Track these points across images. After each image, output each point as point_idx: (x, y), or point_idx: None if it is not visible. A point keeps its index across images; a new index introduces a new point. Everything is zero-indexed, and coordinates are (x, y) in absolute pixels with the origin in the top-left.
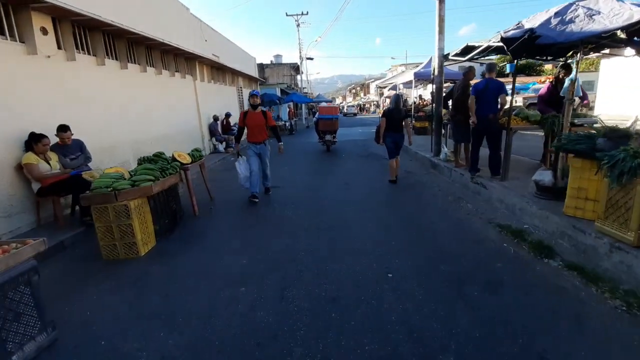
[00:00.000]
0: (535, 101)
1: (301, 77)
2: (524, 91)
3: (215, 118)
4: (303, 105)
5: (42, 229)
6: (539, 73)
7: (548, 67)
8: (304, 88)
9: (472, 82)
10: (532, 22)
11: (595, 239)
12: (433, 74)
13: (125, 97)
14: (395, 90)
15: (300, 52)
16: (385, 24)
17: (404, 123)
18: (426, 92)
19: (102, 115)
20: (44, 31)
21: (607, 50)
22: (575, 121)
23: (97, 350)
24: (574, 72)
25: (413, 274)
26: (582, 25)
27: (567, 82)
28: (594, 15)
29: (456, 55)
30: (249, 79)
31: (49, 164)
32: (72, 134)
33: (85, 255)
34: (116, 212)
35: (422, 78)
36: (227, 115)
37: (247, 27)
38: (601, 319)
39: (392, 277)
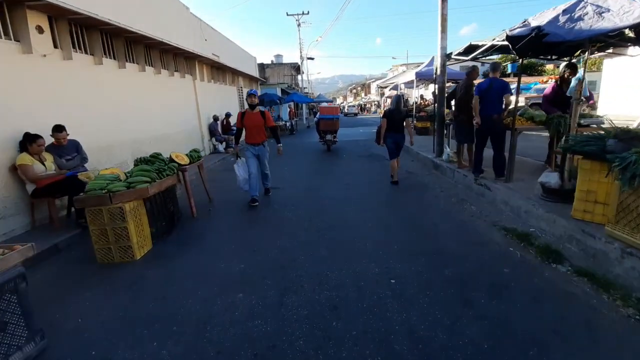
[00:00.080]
0: (538, 101)
1: (302, 77)
2: (525, 91)
3: (215, 118)
4: (304, 105)
5: (36, 231)
6: (540, 73)
7: (549, 67)
8: (304, 88)
9: (475, 81)
10: (539, 20)
11: (605, 243)
12: (435, 73)
13: (124, 96)
14: (397, 90)
15: (300, 52)
16: (386, 23)
17: (405, 123)
18: (427, 92)
19: (99, 114)
20: (40, 30)
21: (610, 50)
22: (582, 122)
23: None
24: (580, 72)
25: (416, 280)
26: (591, 23)
27: (573, 82)
28: (603, 12)
29: (459, 54)
30: (250, 78)
31: (44, 164)
32: (68, 134)
33: (80, 259)
34: (111, 214)
35: (423, 78)
36: (227, 115)
37: (248, 26)
38: (614, 328)
39: (394, 283)
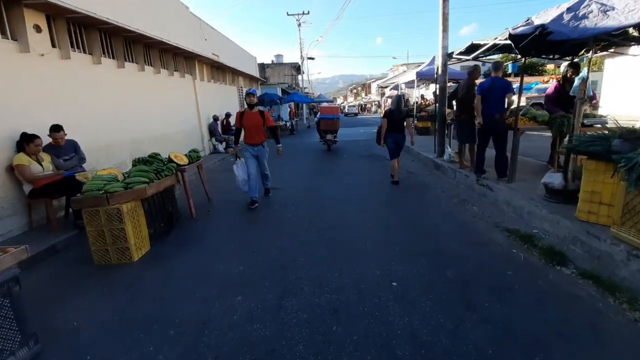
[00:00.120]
0: (539, 101)
1: (302, 77)
2: (526, 91)
3: (215, 118)
4: (304, 105)
5: (34, 232)
6: (541, 73)
7: (550, 67)
8: (305, 88)
9: (477, 81)
10: (542, 18)
11: (611, 245)
12: (437, 73)
13: (122, 96)
14: (397, 89)
15: (301, 52)
16: (387, 23)
17: (405, 123)
18: (428, 91)
19: (98, 114)
20: (38, 29)
21: (612, 49)
22: (585, 121)
23: None
24: (584, 71)
25: (418, 282)
26: (596, 21)
27: (577, 81)
28: (608, 11)
29: (460, 53)
30: (250, 78)
31: (41, 165)
32: (66, 134)
33: (77, 260)
34: (108, 215)
35: (424, 77)
36: (227, 115)
37: (248, 26)
38: (620, 332)
39: (396, 286)
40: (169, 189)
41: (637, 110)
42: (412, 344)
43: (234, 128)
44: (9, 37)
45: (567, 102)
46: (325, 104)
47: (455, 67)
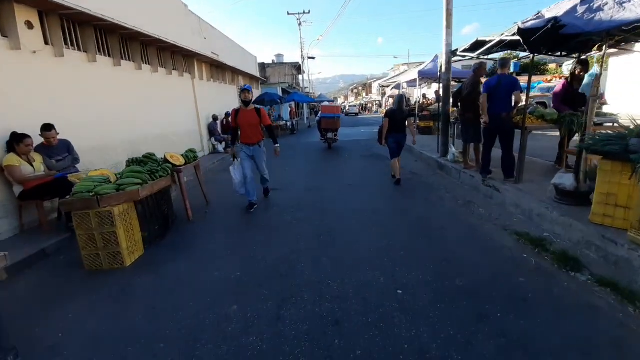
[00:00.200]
0: (542, 100)
1: (303, 77)
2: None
3: (215, 118)
4: (305, 105)
5: (25, 235)
6: (543, 72)
7: (552, 66)
8: (305, 88)
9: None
10: (554, 11)
11: (629, 250)
12: (440, 70)
13: (119, 95)
14: (399, 89)
15: (302, 51)
16: (388, 22)
17: (407, 123)
18: (430, 91)
19: (93, 113)
20: (29, 25)
21: (622, 45)
22: (595, 120)
23: None
24: (594, 68)
25: (425, 290)
26: (612, 13)
27: (587, 79)
28: (624, 3)
29: (465, 51)
30: (250, 78)
31: (32, 165)
32: (58, 134)
33: (68, 265)
34: (99, 218)
35: (426, 76)
36: (227, 115)
37: (248, 26)
38: None
39: (402, 294)
40: (164, 190)
41: None
42: None
43: None
44: (0, 34)
45: (575, 100)
46: (326, 103)
47: (456, 65)
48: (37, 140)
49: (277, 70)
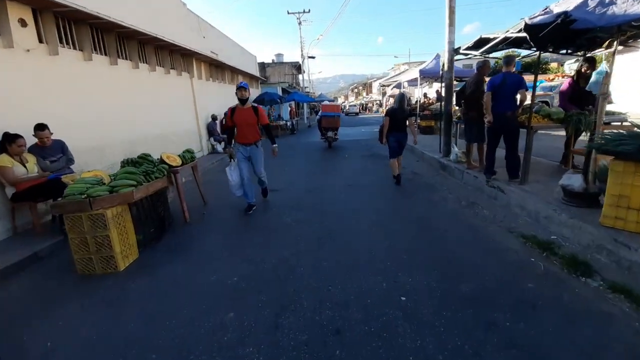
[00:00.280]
0: (545, 99)
1: (303, 77)
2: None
3: (214, 117)
4: (305, 104)
5: (18, 238)
6: (544, 71)
7: (554, 65)
8: (305, 87)
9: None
10: (562, 6)
11: None
12: (442, 69)
13: (116, 94)
14: (400, 88)
15: (302, 51)
16: (388, 22)
17: (407, 122)
18: (431, 90)
19: (89, 113)
20: (23, 23)
21: (630, 42)
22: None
23: None
24: (602, 65)
25: (429, 297)
26: (625, 7)
27: (594, 76)
28: None
29: (468, 48)
30: (250, 77)
31: (25, 166)
32: (52, 134)
33: (60, 269)
34: (91, 221)
35: (428, 75)
36: (226, 114)
37: (248, 25)
38: None
39: (405, 301)
40: (160, 192)
41: None
42: None
43: None
44: None
45: (582, 98)
46: (326, 102)
47: (457, 64)
48: (31, 140)
49: (277, 69)
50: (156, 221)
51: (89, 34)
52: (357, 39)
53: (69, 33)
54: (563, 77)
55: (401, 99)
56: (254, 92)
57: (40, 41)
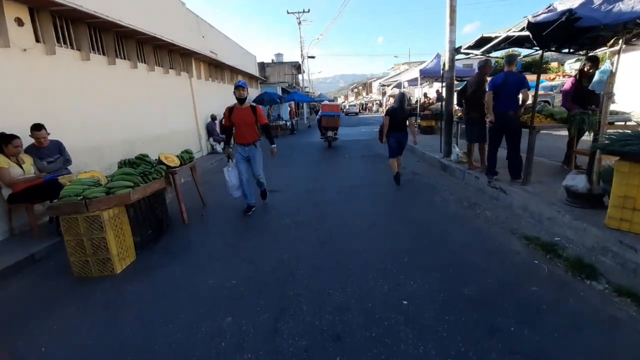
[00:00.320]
0: (546, 99)
1: (303, 77)
2: (533, 89)
3: (213, 117)
4: (305, 104)
5: (15, 239)
6: (545, 71)
7: (554, 65)
8: (305, 87)
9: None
10: (567, 3)
11: None
12: (443, 68)
13: (114, 94)
14: (400, 88)
15: (301, 51)
16: (388, 21)
17: (407, 122)
18: (431, 90)
19: (87, 113)
20: (19, 22)
21: (633, 40)
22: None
23: None
24: (606, 64)
25: (432, 301)
26: (632, 4)
27: (597, 75)
28: None
29: (469, 48)
30: (249, 77)
31: (21, 167)
32: (49, 134)
33: (56, 271)
34: (88, 223)
35: (428, 75)
36: None
37: (247, 25)
38: None
39: (407, 305)
40: (158, 193)
41: None
42: None
43: None
44: None
45: (585, 98)
46: (326, 102)
47: (456, 64)
48: (28, 141)
49: (277, 69)
50: (154, 223)
51: (87, 34)
52: (357, 38)
53: (66, 32)
54: (564, 76)
55: (401, 98)
56: (253, 92)
57: (38, 41)
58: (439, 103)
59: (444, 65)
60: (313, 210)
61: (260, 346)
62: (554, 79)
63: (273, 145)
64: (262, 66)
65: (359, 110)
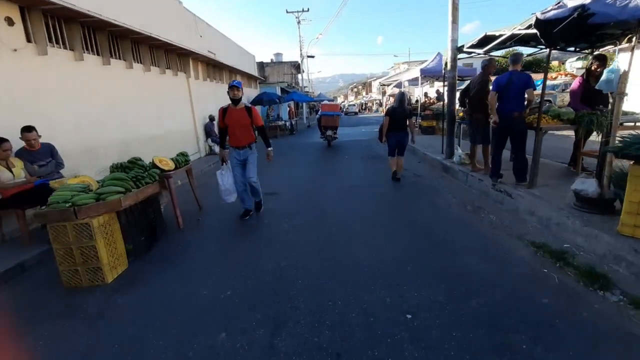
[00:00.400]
0: (548, 98)
1: (302, 76)
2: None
3: (211, 118)
4: (304, 104)
5: (5, 246)
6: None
7: (554, 63)
8: (305, 87)
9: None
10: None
11: None
12: (445, 68)
13: (109, 95)
14: (400, 87)
15: (301, 50)
16: (388, 20)
17: (407, 122)
18: (432, 89)
19: (80, 115)
20: (10, 22)
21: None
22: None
23: None
24: (614, 63)
25: (437, 315)
26: None
27: (605, 74)
28: None
29: (472, 46)
30: (248, 77)
31: (11, 171)
32: (40, 136)
33: (45, 281)
34: (77, 231)
35: (429, 75)
36: None
37: (246, 24)
38: None
39: (411, 320)
40: (152, 198)
41: None
42: None
43: None
44: None
45: (592, 98)
46: (326, 102)
47: (458, 63)
48: (18, 144)
49: (276, 69)
50: (147, 229)
51: (80, 33)
52: (357, 38)
53: (59, 32)
54: (566, 75)
55: (401, 98)
56: (252, 92)
57: (29, 41)
58: (440, 103)
59: (446, 64)
60: (312, 214)
61: None
62: (555, 77)
63: (269, 149)
64: (261, 66)
65: (359, 109)
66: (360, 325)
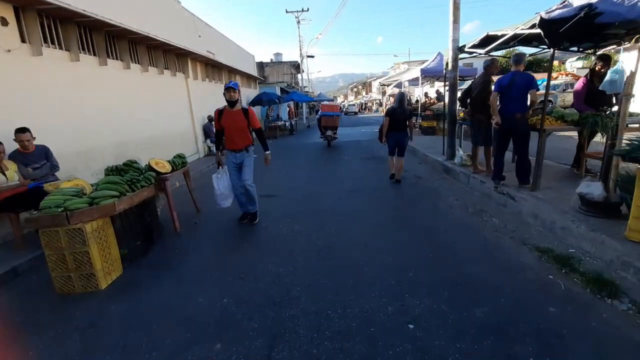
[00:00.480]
0: (549, 99)
1: (302, 76)
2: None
3: (210, 119)
4: (304, 104)
5: None
6: (546, 70)
7: (555, 63)
8: (305, 87)
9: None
10: None
11: None
12: (446, 68)
13: (105, 96)
14: (400, 87)
15: (300, 50)
16: (387, 21)
17: (407, 123)
18: (432, 89)
19: (76, 116)
20: (4, 22)
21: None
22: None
23: None
24: (619, 64)
25: (441, 324)
26: None
27: (609, 75)
28: None
29: (474, 46)
30: (248, 77)
31: (4, 174)
32: (34, 138)
33: (37, 287)
34: (69, 237)
35: (429, 75)
36: None
37: (246, 24)
38: None
39: (414, 330)
40: (148, 201)
41: None
42: None
43: None
44: None
45: (596, 99)
46: (326, 102)
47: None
48: (11, 147)
49: (276, 69)
50: (143, 233)
51: (76, 33)
52: (357, 37)
53: (54, 32)
54: (567, 75)
55: (401, 98)
56: (252, 92)
57: (23, 41)
58: (440, 103)
59: (447, 64)
60: (311, 218)
61: None
62: (556, 77)
63: (267, 152)
64: (261, 66)
65: (359, 109)
66: (361, 336)
